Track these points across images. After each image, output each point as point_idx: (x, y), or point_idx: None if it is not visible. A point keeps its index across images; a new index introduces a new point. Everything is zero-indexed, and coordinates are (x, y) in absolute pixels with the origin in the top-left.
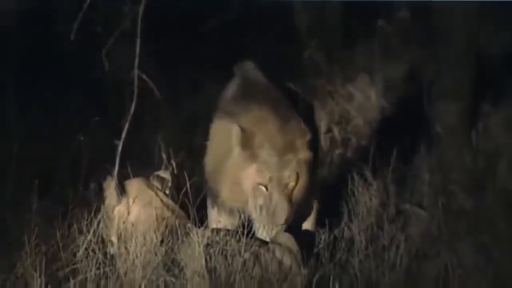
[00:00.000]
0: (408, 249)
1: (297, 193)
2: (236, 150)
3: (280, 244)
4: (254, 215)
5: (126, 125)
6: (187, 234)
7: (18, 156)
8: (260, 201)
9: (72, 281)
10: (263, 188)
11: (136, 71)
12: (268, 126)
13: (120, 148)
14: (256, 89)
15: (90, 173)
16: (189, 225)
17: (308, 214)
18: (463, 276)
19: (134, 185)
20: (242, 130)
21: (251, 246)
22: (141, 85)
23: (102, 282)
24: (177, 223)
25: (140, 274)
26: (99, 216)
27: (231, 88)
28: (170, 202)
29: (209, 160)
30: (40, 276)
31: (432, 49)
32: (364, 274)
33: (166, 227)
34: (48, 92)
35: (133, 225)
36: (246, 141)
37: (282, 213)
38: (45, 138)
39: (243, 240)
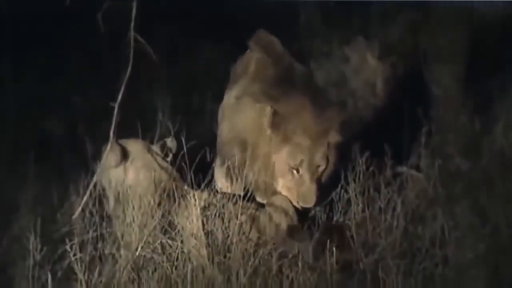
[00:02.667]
0: (404, 212)
1: (326, 174)
2: (268, 131)
3: (276, 207)
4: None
5: (122, 88)
6: (184, 196)
7: (15, 118)
8: (291, 183)
9: (68, 243)
10: (295, 171)
11: (132, 33)
12: (305, 114)
13: (116, 111)
14: (292, 73)
15: (87, 135)
16: (186, 187)
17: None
18: (460, 238)
19: (133, 148)
20: (275, 112)
21: (248, 209)
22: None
23: (99, 244)
24: (174, 186)
25: (137, 237)
26: (95, 178)
27: (254, 62)
28: (167, 165)
29: (227, 129)
30: (36, 238)
31: (429, 11)
32: (361, 236)
33: (164, 190)
34: (44, 55)
35: (130, 187)
36: (278, 124)
37: (312, 195)
38: (42, 101)
39: (240, 203)
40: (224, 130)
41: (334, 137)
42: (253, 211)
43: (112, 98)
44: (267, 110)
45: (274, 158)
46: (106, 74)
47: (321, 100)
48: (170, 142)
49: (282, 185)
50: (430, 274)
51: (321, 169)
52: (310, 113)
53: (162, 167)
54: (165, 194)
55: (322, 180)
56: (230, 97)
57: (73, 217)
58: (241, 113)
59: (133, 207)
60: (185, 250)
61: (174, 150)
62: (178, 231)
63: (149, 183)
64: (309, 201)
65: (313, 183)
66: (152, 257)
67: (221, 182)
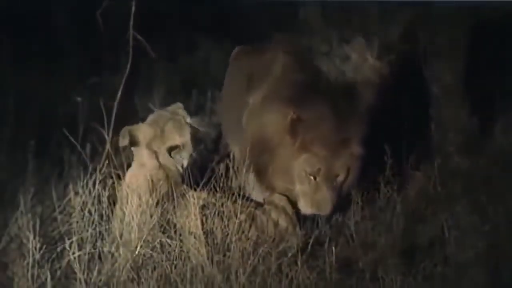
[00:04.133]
0: (404, 210)
1: (347, 185)
2: (286, 138)
3: (275, 206)
4: (301, 202)
5: (121, 86)
6: (183, 195)
7: (14, 116)
8: (308, 189)
9: (67, 242)
10: (312, 178)
11: (131, 32)
12: (325, 124)
13: (115, 109)
14: (318, 80)
15: (86, 134)
16: (185, 186)
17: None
18: (459, 236)
19: (143, 134)
20: (295, 120)
21: (247, 207)
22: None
23: (98, 243)
24: (172, 183)
25: (136, 235)
26: (94, 177)
27: (281, 65)
28: (168, 163)
29: (253, 130)
30: (35, 237)
31: (428, 9)
32: (360, 235)
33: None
34: (44, 53)
35: (128, 186)
36: (296, 132)
37: (328, 204)
38: (41, 98)
39: (239, 201)
40: (250, 131)
41: (356, 149)
42: (252, 209)
43: (111, 96)
44: (288, 117)
45: (292, 163)
46: (106, 72)
47: (344, 110)
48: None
49: (299, 190)
50: (429, 273)
51: (340, 178)
52: (330, 123)
53: (161, 165)
54: (164, 193)
55: (342, 190)
56: (256, 98)
57: (73, 215)
58: (266, 115)
59: (132, 206)
60: (185, 249)
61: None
62: (177, 230)
63: (148, 181)
64: (324, 209)
65: (329, 191)
66: (151, 256)
67: (257, 188)
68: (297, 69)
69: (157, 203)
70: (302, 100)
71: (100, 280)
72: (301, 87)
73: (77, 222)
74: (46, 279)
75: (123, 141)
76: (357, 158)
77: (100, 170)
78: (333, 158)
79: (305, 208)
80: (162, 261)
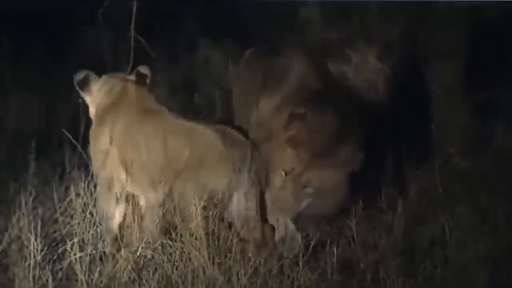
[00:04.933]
0: (405, 211)
1: (319, 207)
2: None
3: None
4: (266, 194)
5: None
6: (182, 195)
7: (15, 117)
8: (277, 183)
9: (69, 243)
10: (283, 173)
11: (132, 32)
12: (322, 133)
13: None
14: (333, 92)
15: (87, 135)
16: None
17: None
18: (460, 237)
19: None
20: (303, 114)
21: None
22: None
23: (99, 244)
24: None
25: (137, 237)
26: (95, 178)
27: (298, 72)
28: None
29: (263, 132)
30: (36, 239)
31: (428, 10)
32: (361, 236)
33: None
34: (44, 53)
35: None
36: (293, 124)
37: (288, 206)
38: (42, 99)
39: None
40: (261, 132)
41: (340, 183)
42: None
43: None
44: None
45: (277, 153)
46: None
47: (347, 131)
48: (144, 69)
49: (271, 181)
50: (430, 274)
51: (308, 191)
52: (327, 135)
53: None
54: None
55: (312, 206)
56: (268, 105)
57: (74, 217)
58: (275, 122)
59: (133, 208)
60: (186, 250)
61: (149, 76)
62: (177, 232)
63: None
64: (283, 210)
65: (292, 195)
66: (152, 257)
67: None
68: (312, 77)
69: (159, 205)
70: (313, 104)
71: (102, 282)
72: (315, 95)
73: (78, 223)
74: (47, 281)
75: (78, 76)
76: (338, 189)
77: None
78: (309, 167)
79: (268, 201)
80: (164, 262)
